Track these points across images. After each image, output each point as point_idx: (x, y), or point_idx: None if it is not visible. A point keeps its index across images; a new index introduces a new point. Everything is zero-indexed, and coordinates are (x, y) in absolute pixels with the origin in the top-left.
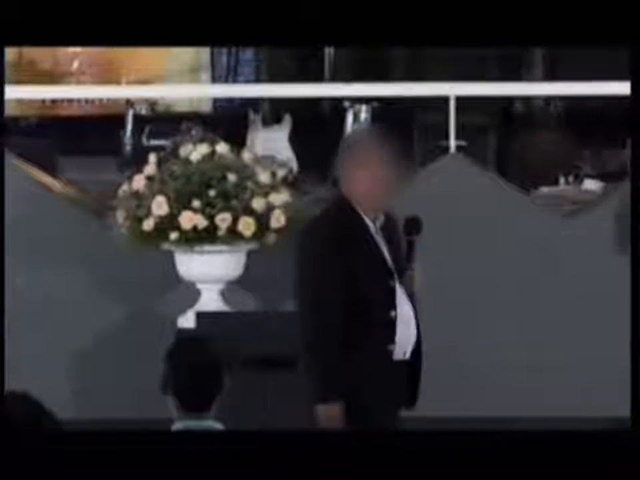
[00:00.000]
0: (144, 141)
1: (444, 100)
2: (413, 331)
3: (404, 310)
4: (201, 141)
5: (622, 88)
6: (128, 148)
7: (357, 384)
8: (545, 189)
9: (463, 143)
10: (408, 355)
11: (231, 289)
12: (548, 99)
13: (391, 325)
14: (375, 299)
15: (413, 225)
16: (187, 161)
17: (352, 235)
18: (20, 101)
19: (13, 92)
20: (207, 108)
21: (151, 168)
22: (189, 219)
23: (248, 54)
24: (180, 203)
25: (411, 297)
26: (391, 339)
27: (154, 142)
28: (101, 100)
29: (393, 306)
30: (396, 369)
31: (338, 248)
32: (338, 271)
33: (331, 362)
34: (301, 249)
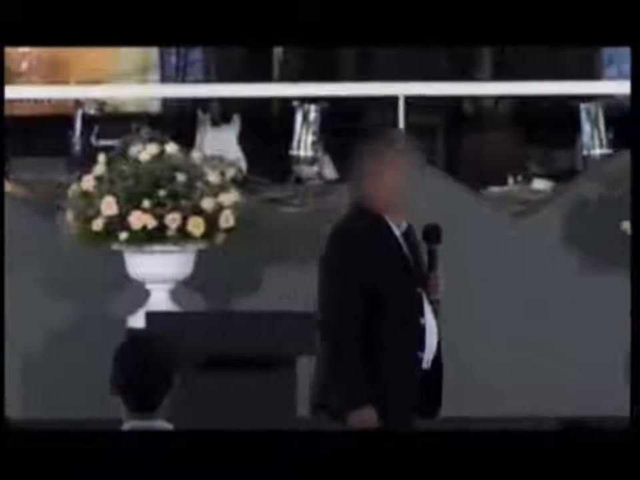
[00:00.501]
0: (93, 141)
1: (394, 99)
2: (435, 340)
3: (427, 318)
4: (150, 140)
5: (571, 87)
6: (77, 148)
7: (386, 391)
8: (494, 189)
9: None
10: (429, 364)
11: (180, 289)
12: (497, 99)
13: (421, 332)
14: (403, 305)
15: (434, 233)
16: (136, 160)
17: (378, 240)
18: None
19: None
20: (156, 108)
21: (100, 168)
22: (138, 219)
23: (197, 54)
24: (129, 203)
25: (432, 304)
26: (421, 347)
27: (103, 142)
28: (49, 100)
29: (422, 313)
30: (423, 378)
31: (365, 253)
32: (365, 278)
33: (357, 367)
34: (327, 255)
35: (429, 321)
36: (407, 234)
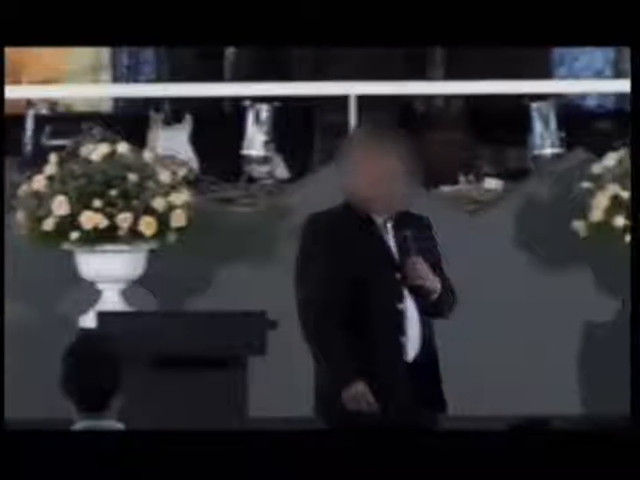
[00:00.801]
0: (44, 140)
1: (345, 99)
2: (417, 330)
3: (408, 305)
4: (102, 140)
5: (522, 87)
6: (28, 148)
7: (373, 371)
8: (445, 188)
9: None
10: (412, 357)
11: (132, 289)
12: (448, 98)
13: (400, 317)
14: (381, 292)
15: (405, 219)
16: (87, 160)
17: (356, 233)
18: None
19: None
20: (107, 108)
21: (51, 168)
22: (89, 219)
23: (148, 53)
24: (81, 202)
25: (414, 292)
26: (401, 332)
27: (54, 142)
28: None
29: (400, 299)
30: (412, 369)
31: (333, 243)
32: (342, 268)
33: (339, 347)
34: (299, 245)
35: (410, 309)
36: (396, 226)
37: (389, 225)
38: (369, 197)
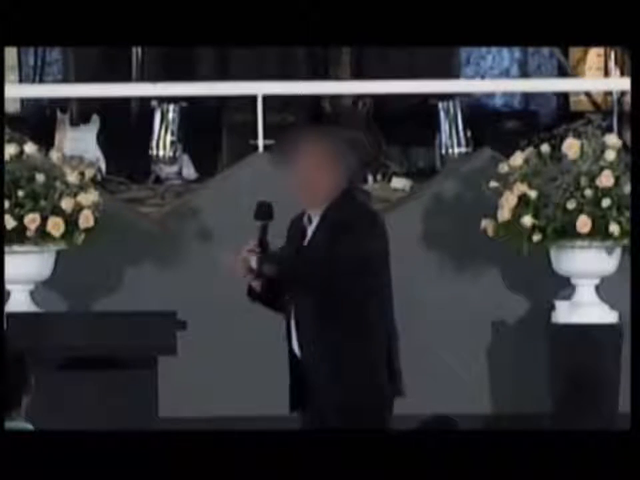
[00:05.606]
0: None
1: (253, 99)
2: (293, 326)
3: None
4: (9, 141)
5: (429, 86)
6: None
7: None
8: None
9: (271, 141)
10: (299, 354)
11: (40, 290)
12: (356, 98)
13: (289, 315)
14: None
15: (261, 210)
16: None
17: (290, 226)
18: None
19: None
20: (14, 108)
21: None
22: None
23: (55, 53)
24: None
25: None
26: (288, 327)
27: None
28: None
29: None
30: (297, 364)
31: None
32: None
33: None
34: None
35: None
36: (320, 224)
37: (315, 220)
38: (298, 194)
